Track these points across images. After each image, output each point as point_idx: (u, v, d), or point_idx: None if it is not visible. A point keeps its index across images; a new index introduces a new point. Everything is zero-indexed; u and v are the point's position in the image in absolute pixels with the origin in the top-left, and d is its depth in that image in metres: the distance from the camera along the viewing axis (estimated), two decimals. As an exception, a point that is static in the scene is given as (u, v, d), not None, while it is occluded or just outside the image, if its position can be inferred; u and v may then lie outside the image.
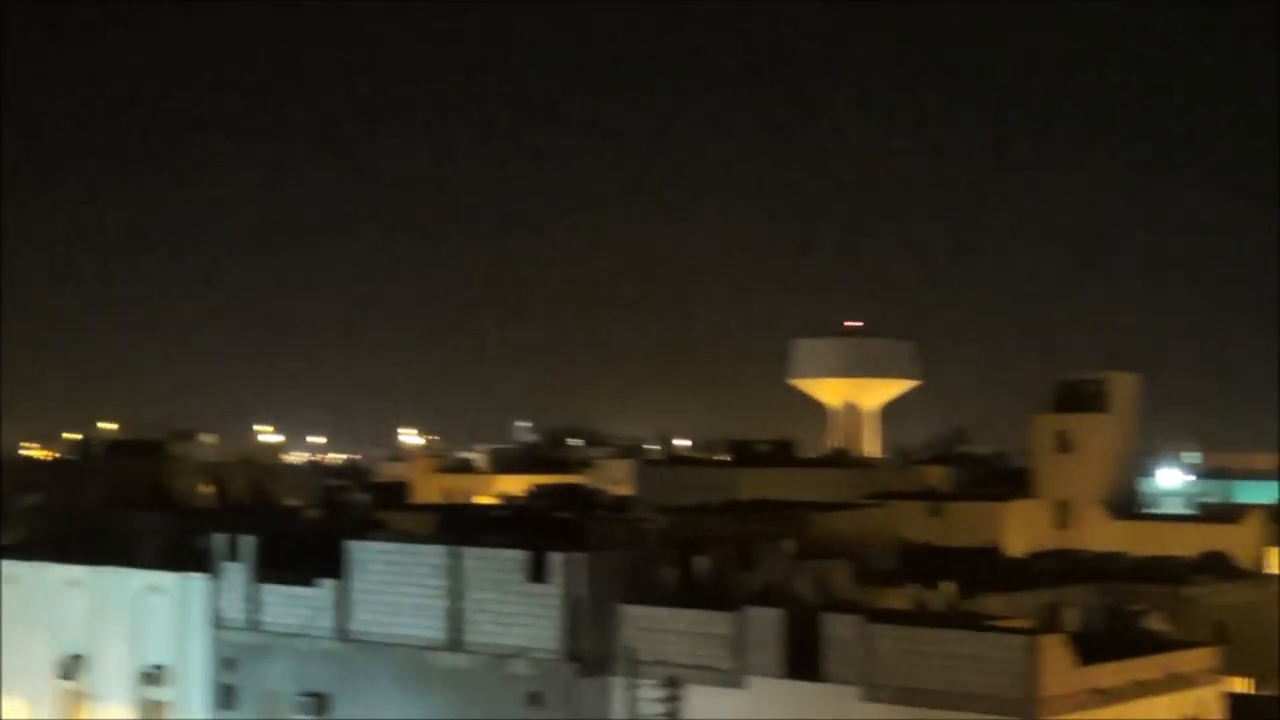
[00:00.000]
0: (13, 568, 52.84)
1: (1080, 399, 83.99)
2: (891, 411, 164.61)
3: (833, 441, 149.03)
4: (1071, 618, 44.33)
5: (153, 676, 48.83)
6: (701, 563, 43.40)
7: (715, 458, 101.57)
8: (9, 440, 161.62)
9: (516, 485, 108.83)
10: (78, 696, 50.63)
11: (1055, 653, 35.24)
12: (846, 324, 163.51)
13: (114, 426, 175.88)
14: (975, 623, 39.23)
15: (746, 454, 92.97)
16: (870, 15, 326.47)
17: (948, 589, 46.43)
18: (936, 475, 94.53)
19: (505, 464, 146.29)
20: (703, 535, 48.49)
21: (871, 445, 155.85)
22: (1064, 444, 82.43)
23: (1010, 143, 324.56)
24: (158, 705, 48.90)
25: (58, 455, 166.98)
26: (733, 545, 45.27)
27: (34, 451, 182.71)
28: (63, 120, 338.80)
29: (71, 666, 50.32)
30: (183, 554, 49.67)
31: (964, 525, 72.19)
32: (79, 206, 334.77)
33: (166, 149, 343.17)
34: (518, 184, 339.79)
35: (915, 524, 68.97)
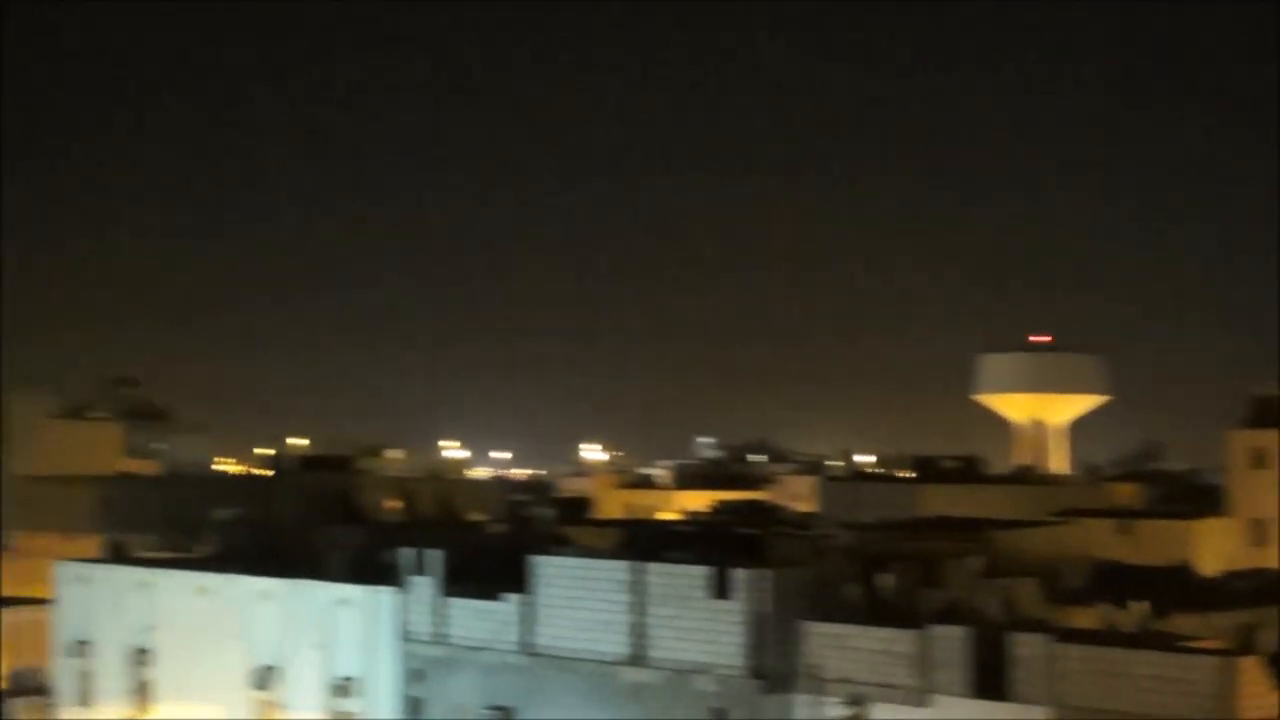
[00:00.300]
0: (208, 579, 54.07)
1: (1276, 414, 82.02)
2: (1080, 427, 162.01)
3: (1019, 458, 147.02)
4: (1268, 639, 43.23)
5: (342, 688, 49.65)
6: (886, 580, 43.06)
7: (899, 474, 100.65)
8: (206, 456, 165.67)
9: (699, 501, 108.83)
10: (269, 706, 51.64)
11: (1252, 674, 34.40)
12: (1033, 338, 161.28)
13: (304, 442, 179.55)
14: (1167, 643, 38.43)
15: (931, 470, 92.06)
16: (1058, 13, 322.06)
17: (1138, 608, 45.51)
18: (1126, 492, 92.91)
19: (688, 480, 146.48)
20: (887, 552, 48.06)
21: (1059, 462, 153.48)
22: (1259, 460, 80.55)
23: (1202, 146, 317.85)
24: (347, 716, 49.70)
25: (249, 470, 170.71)
26: (918, 562, 44.83)
27: (228, 466, 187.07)
28: (247, 136, 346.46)
29: (264, 677, 51.33)
30: (371, 568, 50.46)
31: (1155, 543, 70.83)
32: (271, 225, 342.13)
33: (348, 169, 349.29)
34: (703, 203, 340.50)
35: (1104, 542, 67.79)
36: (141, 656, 54.53)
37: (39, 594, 68.47)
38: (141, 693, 54.50)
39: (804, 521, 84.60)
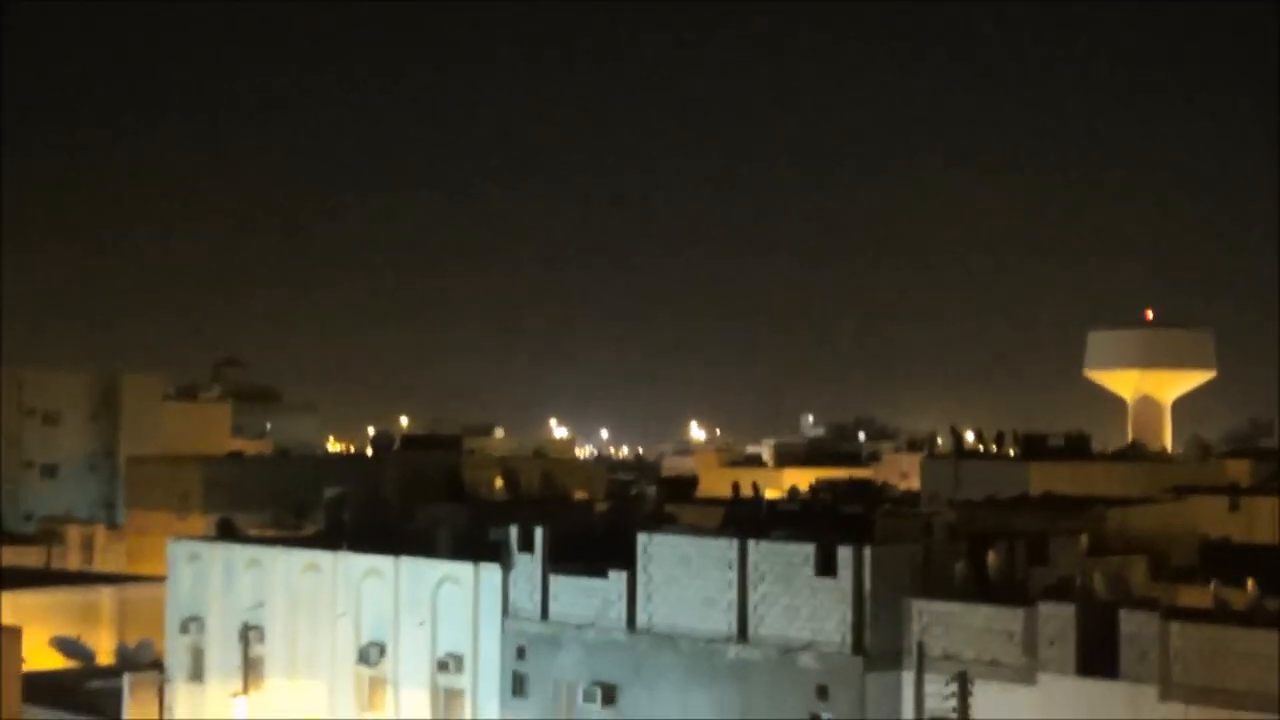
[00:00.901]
0: (316, 557, 54.56)
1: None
2: (1189, 404, 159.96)
3: (1129, 435, 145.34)
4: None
5: (447, 664, 49.94)
6: (993, 558, 42.70)
7: (1005, 451, 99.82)
8: (314, 435, 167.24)
9: (803, 479, 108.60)
10: (376, 682, 52.07)
11: (1366, 654, 33.77)
12: (1147, 314, 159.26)
13: (410, 421, 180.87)
14: (1278, 621, 37.81)
15: (1038, 447, 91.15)
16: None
17: (1249, 587, 44.81)
18: (1237, 469, 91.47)
19: (791, 458, 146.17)
20: (994, 529, 47.71)
21: (1168, 438, 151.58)
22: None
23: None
24: (453, 692, 50.02)
25: (356, 449, 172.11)
26: (1025, 540, 44.43)
27: (336, 445, 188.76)
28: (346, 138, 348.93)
29: (370, 653, 51.73)
30: (477, 545, 50.70)
31: (1266, 521, 69.71)
32: (379, 203, 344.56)
33: (460, 151, 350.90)
34: (806, 188, 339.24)
35: (1215, 519, 66.78)
36: (251, 633, 55.13)
37: (152, 571, 69.58)
38: (251, 668, 55.12)
39: (908, 499, 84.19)
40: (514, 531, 48.76)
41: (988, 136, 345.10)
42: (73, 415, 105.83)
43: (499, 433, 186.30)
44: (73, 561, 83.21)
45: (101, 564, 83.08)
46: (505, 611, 48.70)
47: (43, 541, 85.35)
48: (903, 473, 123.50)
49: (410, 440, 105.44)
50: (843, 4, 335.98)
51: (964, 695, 38.35)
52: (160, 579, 61.62)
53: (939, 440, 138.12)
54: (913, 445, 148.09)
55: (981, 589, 41.24)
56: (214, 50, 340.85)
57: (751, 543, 43.23)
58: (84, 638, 62.61)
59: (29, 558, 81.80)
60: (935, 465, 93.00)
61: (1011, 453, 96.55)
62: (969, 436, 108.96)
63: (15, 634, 52.34)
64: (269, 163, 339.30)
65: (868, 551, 40.94)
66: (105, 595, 64.77)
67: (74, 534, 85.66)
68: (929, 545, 43.41)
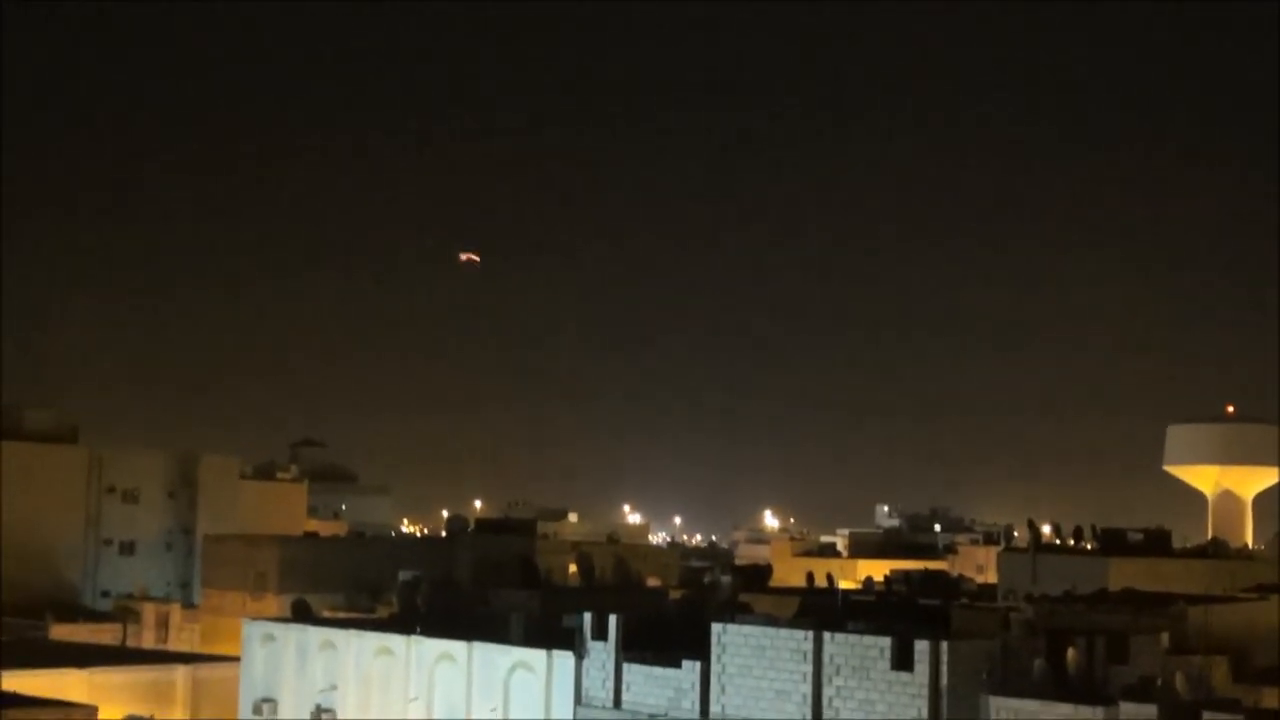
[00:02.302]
0: (389, 640, 54.49)
1: None
2: (1271, 500, 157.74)
3: (1209, 531, 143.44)
4: None
5: (520, 751, 49.62)
6: (1072, 655, 42.06)
7: (1084, 545, 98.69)
8: (389, 517, 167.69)
9: (878, 570, 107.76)
10: (449, 768, 51.79)
11: None
12: (1228, 409, 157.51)
13: (482, 505, 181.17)
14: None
15: (1117, 542, 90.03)
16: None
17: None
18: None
19: (866, 548, 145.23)
20: (1073, 625, 47.02)
21: (1249, 535, 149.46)
22: None
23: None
24: (525, 780, 49.65)
25: (431, 532, 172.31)
26: (1105, 637, 43.73)
27: (411, 528, 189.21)
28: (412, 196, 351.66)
29: (443, 739, 51.51)
30: (550, 632, 50.49)
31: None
32: (453, 287, 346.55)
33: (530, 230, 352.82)
34: (880, 277, 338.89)
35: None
36: (324, 716, 55.04)
37: (226, 651, 69.64)
38: (323, 751, 54.99)
39: (986, 593, 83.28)
40: (588, 618, 48.53)
41: (1077, 230, 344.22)
42: (151, 493, 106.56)
43: (573, 517, 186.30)
44: (148, 640, 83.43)
45: (176, 643, 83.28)
46: (578, 699, 48.40)
47: (119, 619, 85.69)
48: (979, 566, 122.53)
49: (484, 524, 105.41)
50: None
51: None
52: (234, 659, 61.72)
53: (1016, 533, 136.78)
54: (989, 538, 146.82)
55: (1060, 687, 40.61)
56: (291, 115, 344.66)
57: (827, 634, 42.83)
58: (157, 717, 62.64)
59: (105, 635, 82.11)
60: (1012, 559, 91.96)
61: (1090, 547, 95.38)
62: (1046, 530, 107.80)
63: (90, 712, 52.45)
64: (350, 243, 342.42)
65: (944, 645, 40.46)
66: (179, 674, 64.81)
67: (150, 612, 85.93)
68: (1006, 640, 42.87)
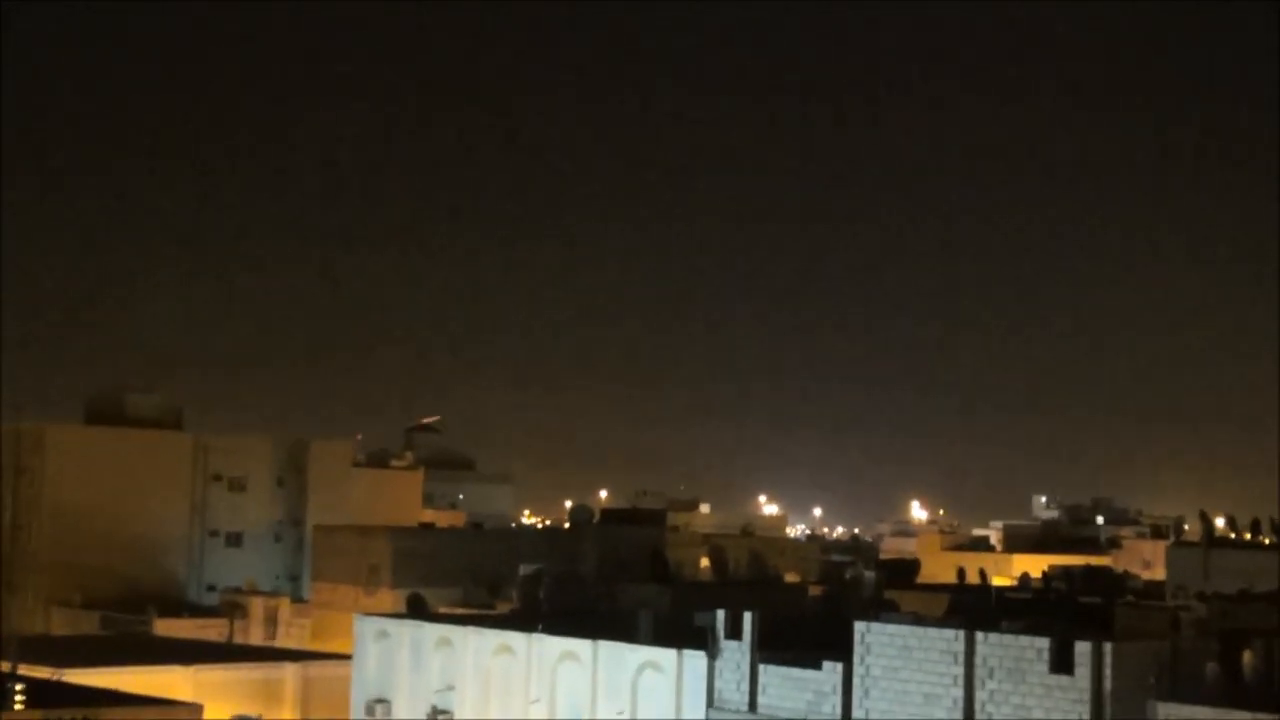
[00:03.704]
0: (509, 638, 54.78)
1: None
2: None
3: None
4: None
5: (649, 757, 49.71)
6: (1248, 658, 41.44)
7: (1261, 539, 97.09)
8: (509, 507, 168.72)
9: (1035, 565, 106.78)
10: (573, 774, 52.01)
11: None
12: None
13: (608, 495, 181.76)
14: None
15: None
16: None
17: None
18: None
19: (1022, 542, 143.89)
20: (1249, 627, 46.30)
21: None
22: None
23: None
24: (654, 788, 49.75)
25: (554, 523, 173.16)
26: (1284, 639, 43.04)
27: (533, 519, 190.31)
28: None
29: (567, 743, 51.74)
30: (681, 630, 50.51)
31: None
32: (581, 265, 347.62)
33: (665, 206, 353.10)
34: (1043, 264, 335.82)
35: None
36: (440, 717, 55.51)
37: (337, 648, 70.45)
38: (440, 755, 55.46)
39: (1153, 590, 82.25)
40: (721, 616, 48.49)
41: (1234, 226, 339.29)
42: (259, 482, 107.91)
43: (705, 508, 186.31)
44: (255, 635, 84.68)
45: (285, 639, 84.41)
46: (710, 702, 48.40)
47: (226, 614, 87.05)
48: (1145, 561, 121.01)
49: (610, 515, 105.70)
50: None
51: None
52: (346, 657, 62.40)
53: (1186, 526, 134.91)
54: (1157, 531, 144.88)
55: (1235, 692, 40.04)
56: (385, 87, 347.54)
57: (980, 634, 42.50)
58: (265, 716, 63.54)
59: (211, 631, 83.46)
60: (1182, 554, 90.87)
61: (1269, 541, 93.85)
62: (1220, 522, 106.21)
63: (197, 710, 53.34)
64: (468, 214, 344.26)
65: (1108, 647, 40.02)
66: (288, 672, 65.68)
67: (257, 607, 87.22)
68: (1176, 642, 42.32)
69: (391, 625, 59.37)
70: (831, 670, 45.49)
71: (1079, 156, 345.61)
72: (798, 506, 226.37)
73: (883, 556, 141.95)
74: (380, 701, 57.79)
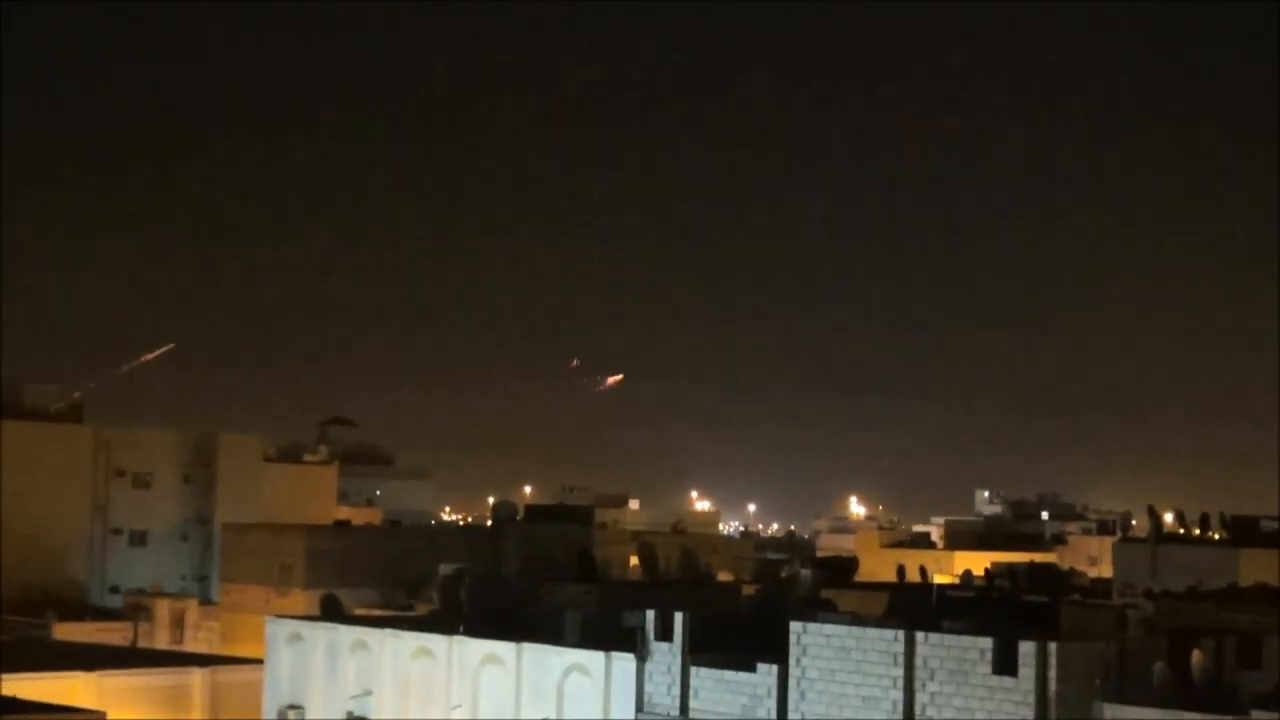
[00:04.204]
0: (429, 640, 54.73)
1: None
2: None
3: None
4: None
5: (576, 765, 49.80)
6: (1197, 658, 41.85)
7: (1211, 535, 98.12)
8: (428, 504, 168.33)
9: (977, 563, 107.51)
10: (496, 783, 52.03)
11: None
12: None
13: (533, 491, 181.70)
14: None
15: (1249, 532, 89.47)
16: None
17: None
18: None
19: (964, 538, 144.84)
20: (1198, 626, 46.77)
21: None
22: None
23: None
24: (581, 797, 49.83)
25: (475, 520, 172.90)
26: (1235, 639, 43.51)
27: (452, 516, 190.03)
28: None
29: (490, 750, 51.75)
30: (609, 632, 50.58)
31: None
32: (508, 250, 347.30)
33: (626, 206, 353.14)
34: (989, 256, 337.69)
35: None
36: (357, 724, 55.42)
37: (248, 652, 70.18)
38: (356, 764, 55.36)
39: (1099, 588, 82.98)
40: (651, 617, 48.59)
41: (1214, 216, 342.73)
42: (164, 478, 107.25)
43: (634, 504, 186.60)
44: (162, 640, 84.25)
45: (193, 643, 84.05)
46: (640, 707, 48.50)
47: (130, 617, 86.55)
48: (1092, 558, 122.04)
49: (535, 511, 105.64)
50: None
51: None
52: (258, 661, 62.17)
53: (1134, 521, 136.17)
54: (1103, 527, 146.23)
55: (1184, 694, 40.42)
56: (319, 86, 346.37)
57: (920, 634, 42.73)
58: (172, 725, 63.28)
59: (115, 635, 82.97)
60: (1129, 550, 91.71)
61: (1218, 537, 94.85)
62: (1168, 518, 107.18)
63: (100, 718, 53.01)
64: (382, 201, 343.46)
65: (1053, 647, 40.32)
66: (197, 678, 65.36)
67: (164, 609, 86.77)
68: (1123, 641, 42.71)
69: (305, 628, 59.18)
70: (766, 673, 45.64)
71: (1023, 152, 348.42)
72: (731, 502, 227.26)
73: (819, 554, 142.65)
74: (294, 708, 57.62)
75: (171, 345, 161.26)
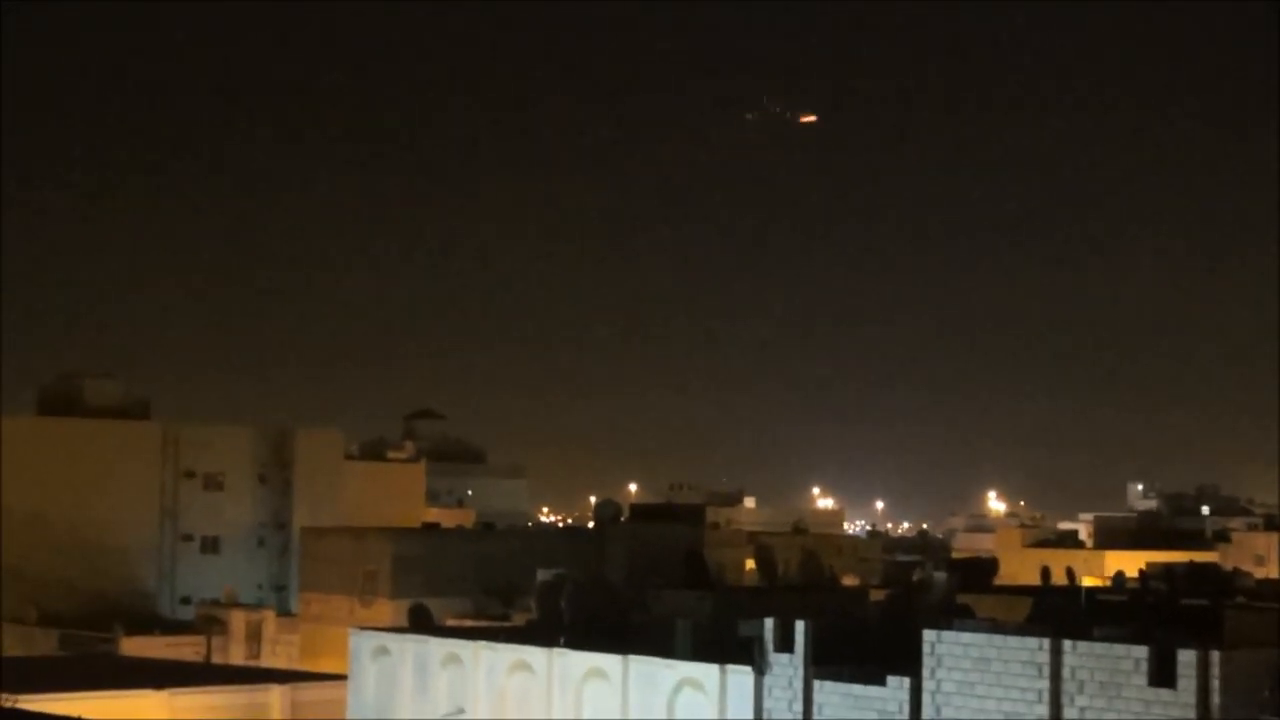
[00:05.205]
0: (527, 653, 54.90)
1: None
2: None
3: None
4: None
5: (689, 788, 49.89)
6: (1378, 666, 41.42)
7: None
8: (525, 504, 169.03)
9: (1131, 563, 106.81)
10: (602, 808, 52.17)
11: None
12: None
13: (639, 489, 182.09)
14: None
15: None
16: None
17: None
18: None
19: (1116, 537, 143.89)
20: (1379, 630, 46.25)
21: None
22: None
23: None
24: (695, 823, 49.91)
25: (576, 522, 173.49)
26: None
27: (551, 517, 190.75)
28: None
29: (595, 772, 51.91)
30: (724, 643, 50.60)
31: None
32: (609, 247, 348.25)
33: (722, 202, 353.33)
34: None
35: None
36: (449, 744, 55.74)
37: (330, 667, 70.75)
38: (449, 788, 55.68)
39: (1267, 590, 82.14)
40: (769, 626, 48.57)
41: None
42: (238, 478, 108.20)
43: (750, 502, 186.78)
44: (236, 654, 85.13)
45: (271, 657, 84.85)
46: (759, 724, 48.55)
47: (203, 630, 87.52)
48: (1258, 556, 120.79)
49: (641, 511, 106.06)
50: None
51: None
52: (340, 677, 62.64)
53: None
54: (1271, 522, 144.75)
55: (1364, 706, 40.04)
56: (399, 87, 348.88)
57: (1067, 643, 42.52)
58: (250, 746, 63.93)
59: (187, 649, 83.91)
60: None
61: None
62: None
63: (169, 741, 53.65)
64: (472, 207, 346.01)
65: (1216, 656, 40.00)
66: (275, 695, 65.99)
67: (239, 621, 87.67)
68: (1295, 649, 42.34)
69: (392, 641, 59.55)
70: (897, 686, 45.54)
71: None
72: (857, 499, 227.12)
73: (955, 555, 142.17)
74: (380, 727, 58.05)
75: None
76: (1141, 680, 40.87)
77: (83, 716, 54.34)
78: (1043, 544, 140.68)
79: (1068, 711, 42.17)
